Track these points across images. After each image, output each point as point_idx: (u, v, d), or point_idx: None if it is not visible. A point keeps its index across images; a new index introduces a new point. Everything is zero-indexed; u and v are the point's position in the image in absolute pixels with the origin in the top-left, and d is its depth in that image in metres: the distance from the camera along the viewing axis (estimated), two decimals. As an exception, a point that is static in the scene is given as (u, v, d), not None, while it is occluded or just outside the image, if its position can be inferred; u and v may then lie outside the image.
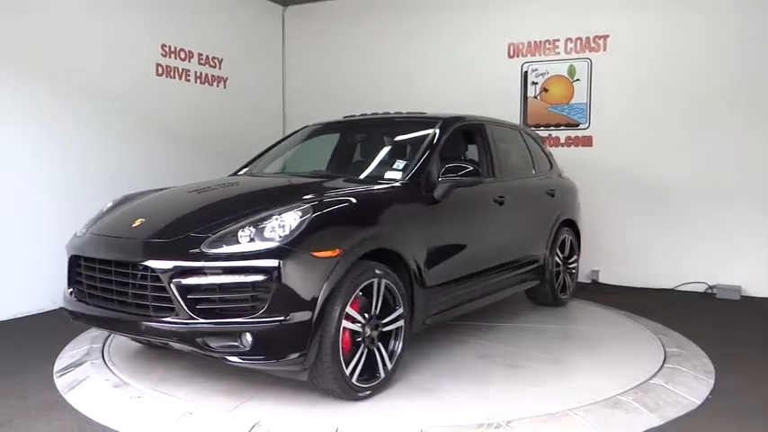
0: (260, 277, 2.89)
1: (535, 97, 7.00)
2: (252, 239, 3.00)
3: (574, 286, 5.75)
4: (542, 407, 3.17)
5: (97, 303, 3.31)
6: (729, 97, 6.15)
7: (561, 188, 5.58)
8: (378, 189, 3.75)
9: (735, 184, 6.18)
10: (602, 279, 6.68)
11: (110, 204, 4.03)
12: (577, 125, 6.78)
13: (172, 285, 2.94)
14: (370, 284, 3.24)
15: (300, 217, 3.07)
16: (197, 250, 3.00)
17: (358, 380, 3.18)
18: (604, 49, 6.66)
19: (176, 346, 3.06)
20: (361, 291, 3.19)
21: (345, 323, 3.08)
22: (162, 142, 6.38)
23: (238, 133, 7.28)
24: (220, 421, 3.01)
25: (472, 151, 4.81)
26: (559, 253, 5.41)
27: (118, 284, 3.19)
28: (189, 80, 6.75)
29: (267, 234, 3.00)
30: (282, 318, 2.88)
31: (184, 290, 2.93)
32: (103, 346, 4.10)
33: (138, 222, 3.43)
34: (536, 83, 6.99)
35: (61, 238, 3.92)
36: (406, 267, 3.53)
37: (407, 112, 4.89)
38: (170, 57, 6.50)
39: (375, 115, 4.93)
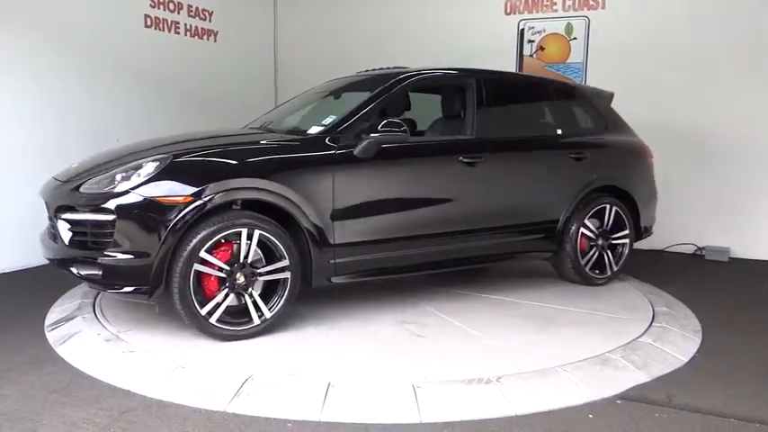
0: (110, 217, 3.25)
1: (531, 56, 6.90)
2: (120, 183, 3.32)
3: (620, 267, 4.92)
4: (532, 363, 3.21)
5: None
6: (728, 57, 6.10)
7: (602, 151, 4.91)
8: (274, 143, 3.77)
9: (725, 146, 6.18)
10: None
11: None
12: (573, 85, 6.71)
13: (56, 219, 3.46)
14: (250, 234, 3.40)
15: (155, 165, 3.33)
16: (74, 191, 3.44)
17: (222, 321, 3.40)
18: (603, 7, 6.55)
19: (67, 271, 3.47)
20: (228, 239, 3.39)
21: (200, 267, 3.31)
22: (150, 96, 6.25)
23: (228, 88, 7.16)
24: (213, 374, 3.03)
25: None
26: (588, 223, 4.72)
27: (50, 219, 3.68)
28: (179, 33, 6.59)
29: (130, 179, 3.31)
30: (121, 254, 3.26)
31: (65, 223, 3.42)
32: (95, 301, 4.10)
33: (72, 167, 3.81)
34: (532, 41, 6.88)
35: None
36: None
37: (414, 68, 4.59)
38: (159, 8, 6.33)
39: (373, 71, 4.81)
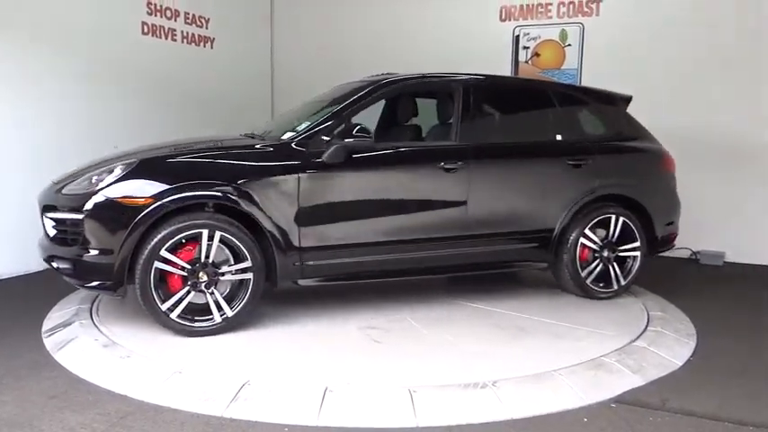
0: (79, 216, 3.47)
1: (526, 62, 6.94)
2: (93, 185, 3.54)
3: (629, 281, 4.64)
4: (527, 368, 3.23)
5: None
6: (720, 63, 6.14)
7: (609, 158, 4.63)
8: (241, 149, 3.95)
9: (720, 151, 6.22)
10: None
11: None
12: (568, 91, 6.74)
13: (42, 217, 3.73)
14: (211, 235, 3.56)
15: (122, 169, 3.54)
16: (58, 192, 3.66)
17: (182, 317, 3.57)
18: (597, 14, 6.60)
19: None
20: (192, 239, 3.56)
21: (161, 265, 3.49)
22: (148, 102, 6.26)
23: (225, 95, 7.17)
24: (210, 379, 3.04)
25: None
26: (589, 234, 4.49)
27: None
28: (175, 40, 6.61)
29: (101, 182, 3.52)
30: (88, 250, 3.48)
31: (49, 221, 3.68)
32: (92, 307, 4.10)
33: (69, 172, 3.95)
34: (527, 47, 6.93)
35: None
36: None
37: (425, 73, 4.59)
38: (156, 15, 6.35)
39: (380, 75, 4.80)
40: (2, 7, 4.93)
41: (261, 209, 3.66)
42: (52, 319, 3.99)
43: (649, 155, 4.88)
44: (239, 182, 3.64)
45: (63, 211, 3.61)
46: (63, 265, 3.61)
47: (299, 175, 3.76)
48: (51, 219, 3.67)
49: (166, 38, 6.50)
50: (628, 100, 5.04)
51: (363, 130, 3.85)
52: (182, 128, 6.19)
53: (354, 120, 4.07)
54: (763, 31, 5.99)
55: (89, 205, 3.47)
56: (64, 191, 3.65)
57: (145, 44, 6.25)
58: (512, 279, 5.20)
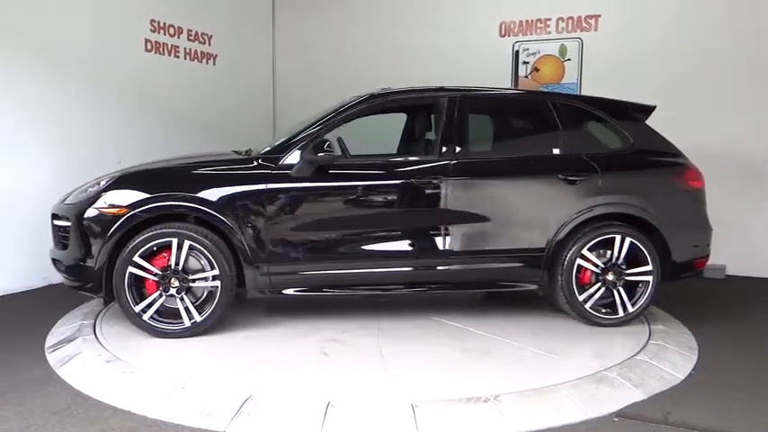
0: (68, 223, 3.85)
1: (526, 77, 7.00)
2: (85, 197, 3.87)
3: (639, 308, 4.22)
4: (529, 382, 3.24)
5: None
6: (720, 76, 6.19)
7: (613, 173, 4.27)
8: (214, 163, 4.10)
9: (720, 163, 6.22)
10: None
11: None
12: (568, 105, 6.78)
13: (52, 223, 4.06)
14: (181, 244, 3.79)
15: (105, 182, 3.89)
16: (62, 203, 4.02)
17: (155, 319, 3.82)
18: (596, 29, 6.66)
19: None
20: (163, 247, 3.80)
21: (134, 270, 3.75)
22: (150, 119, 6.32)
23: (227, 111, 7.24)
24: (213, 395, 3.05)
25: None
26: (588, 254, 4.16)
27: None
28: (178, 57, 6.68)
29: (92, 194, 3.86)
30: (77, 254, 3.83)
31: (55, 228, 4.04)
32: (95, 322, 4.12)
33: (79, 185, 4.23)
34: (527, 62, 6.99)
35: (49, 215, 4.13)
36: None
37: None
38: (159, 32, 6.42)
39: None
40: (5, 22, 4.99)
41: (229, 220, 3.84)
42: (55, 334, 4.01)
43: (667, 170, 4.46)
44: (207, 193, 3.83)
45: (61, 220, 3.95)
46: (60, 267, 4.00)
47: (267, 187, 3.90)
48: (55, 226, 4.04)
49: (169, 54, 6.57)
50: (646, 110, 4.66)
51: (330, 146, 3.92)
52: (185, 143, 6.25)
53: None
54: (763, 43, 6.05)
55: (79, 214, 3.82)
56: (66, 201, 4.01)
57: (148, 61, 6.31)
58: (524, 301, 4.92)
